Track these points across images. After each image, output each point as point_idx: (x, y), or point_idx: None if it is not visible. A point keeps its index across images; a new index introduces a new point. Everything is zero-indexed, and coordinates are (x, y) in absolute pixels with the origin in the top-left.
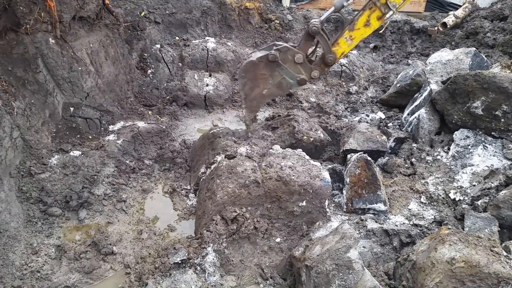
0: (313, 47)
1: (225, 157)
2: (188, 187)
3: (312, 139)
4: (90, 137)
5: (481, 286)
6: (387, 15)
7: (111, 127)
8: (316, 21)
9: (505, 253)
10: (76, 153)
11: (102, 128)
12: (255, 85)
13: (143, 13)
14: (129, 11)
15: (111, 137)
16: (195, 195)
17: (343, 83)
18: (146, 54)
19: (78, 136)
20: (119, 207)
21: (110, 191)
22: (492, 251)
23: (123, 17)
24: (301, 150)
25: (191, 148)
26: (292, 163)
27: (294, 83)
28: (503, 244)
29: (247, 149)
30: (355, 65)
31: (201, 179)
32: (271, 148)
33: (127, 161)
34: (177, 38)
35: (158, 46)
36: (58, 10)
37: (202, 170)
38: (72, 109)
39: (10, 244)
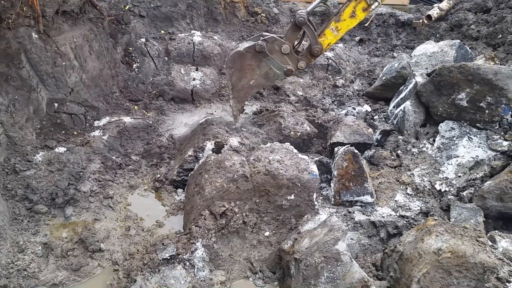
0: (300, 38)
1: (214, 144)
2: (175, 173)
3: (299, 133)
4: (75, 133)
5: (467, 276)
6: (373, 6)
7: (96, 123)
8: (303, 12)
9: (490, 243)
10: (61, 149)
11: (87, 124)
12: (242, 76)
13: (127, 7)
14: (113, 5)
15: (97, 132)
16: (178, 177)
17: (330, 77)
18: (131, 48)
19: (63, 132)
20: (106, 204)
21: (97, 188)
22: (477, 241)
23: (107, 11)
24: (289, 144)
25: (182, 135)
26: (280, 157)
27: (281, 74)
28: (488, 234)
29: (238, 141)
30: (341, 59)
31: (190, 174)
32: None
33: (114, 157)
34: (162, 31)
35: (143, 40)
36: (40, 4)
37: (190, 153)
38: (56, 104)
39: None
